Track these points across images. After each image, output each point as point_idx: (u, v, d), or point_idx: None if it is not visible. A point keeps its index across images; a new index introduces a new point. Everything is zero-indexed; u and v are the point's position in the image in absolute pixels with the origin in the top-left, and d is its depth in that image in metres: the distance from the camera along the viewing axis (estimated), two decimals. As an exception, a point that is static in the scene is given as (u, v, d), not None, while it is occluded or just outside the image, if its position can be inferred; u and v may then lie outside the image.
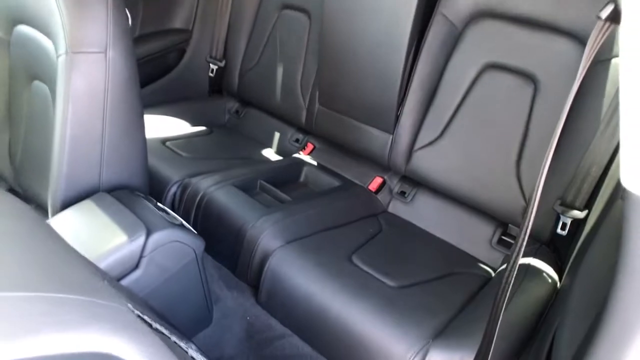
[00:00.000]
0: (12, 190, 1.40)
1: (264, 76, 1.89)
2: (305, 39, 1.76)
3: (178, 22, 1.97)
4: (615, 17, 0.44)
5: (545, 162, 0.67)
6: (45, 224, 0.53)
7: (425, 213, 1.50)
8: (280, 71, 1.84)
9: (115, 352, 0.33)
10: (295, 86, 1.79)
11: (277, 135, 1.88)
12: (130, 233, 1.01)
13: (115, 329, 0.34)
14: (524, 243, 0.76)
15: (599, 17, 0.49)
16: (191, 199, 1.41)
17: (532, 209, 0.73)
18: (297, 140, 1.84)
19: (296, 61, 1.79)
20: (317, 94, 1.69)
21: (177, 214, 1.30)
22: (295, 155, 1.75)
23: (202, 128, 1.93)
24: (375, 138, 1.55)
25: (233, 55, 1.98)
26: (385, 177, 1.59)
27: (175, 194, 1.46)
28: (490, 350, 0.83)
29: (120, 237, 1.00)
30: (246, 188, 1.45)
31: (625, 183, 0.47)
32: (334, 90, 1.61)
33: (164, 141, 1.71)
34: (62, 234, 0.86)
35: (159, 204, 1.18)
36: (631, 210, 0.49)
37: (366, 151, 1.59)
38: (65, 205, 1.12)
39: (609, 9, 0.47)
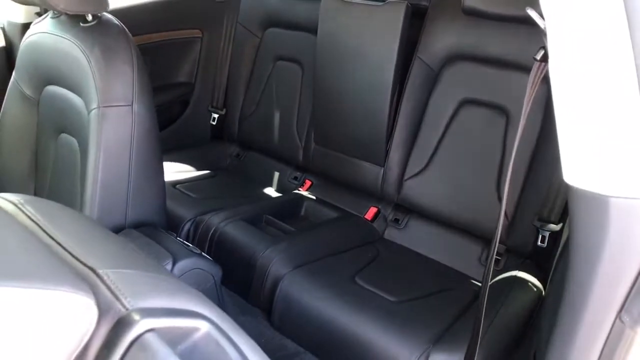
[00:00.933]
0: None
1: (262, 121, 2.06)
2: (299, 86, 1.95)
3: (182, 76, 2.15)
4: (545, 58, 0.60)
5: (505, 183, 0.80)
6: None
7: (418, 237, 1.64)
8: (277, 116, 2.02)
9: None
10: (292, 128, 1.96)
11: (276, 174, 2.04)
12: (158, 261, 1.13)
13: (198, 297, 0.48)
14: (495, 253, 0.88)
15: (534, 59, 0.65)
16: (204, 233, 1.54)
17: (499, 224, 0.86)
18: (295, 178, 1.99)
19: (291, 106, 1.97)
20: (313, 134, 1.86)
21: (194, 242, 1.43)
22: (295, 191, 1.90)
23: (207, 172, 2.08)
24: (368, 171, 1.70)
25: (233, 104, 2.16)
26: (380, 207, 1.74)
27: (189, 230, 1.59)
28: (475, 353, 0.94)
29: (149, 264, 1.12)
30: (253, 222, 1.58)
31: (567, 179, 0.62)
32: (327, 130, 1.78)
33: (174, 184, 1.85)
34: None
35: (178, 237, 1.31)
36: (574, 202, 0.63)
37: (360, 184, 1.74)
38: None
39: (541, 52, 0.63)
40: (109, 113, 1.19)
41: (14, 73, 1.44)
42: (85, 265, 0.44)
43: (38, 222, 0.49)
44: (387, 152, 1.66)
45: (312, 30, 1.78)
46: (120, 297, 0.41)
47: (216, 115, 2.20)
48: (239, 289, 1.46)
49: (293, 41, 1.95)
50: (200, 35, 2.12)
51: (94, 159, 1.20)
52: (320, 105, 1.76)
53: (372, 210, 1.73)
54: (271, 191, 1.98)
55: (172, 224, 1.60)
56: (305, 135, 1.92)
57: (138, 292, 0.42)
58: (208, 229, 1.54)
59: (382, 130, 1.63)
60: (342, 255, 1.50)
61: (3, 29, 1.84)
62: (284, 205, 1.78)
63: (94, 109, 1.19)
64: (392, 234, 1.68)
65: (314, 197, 1.84)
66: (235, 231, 1.50)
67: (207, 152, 2.20)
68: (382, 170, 1.68)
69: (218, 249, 1.50)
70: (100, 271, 0.43)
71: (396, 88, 1.61)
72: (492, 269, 0.91)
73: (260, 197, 1.91)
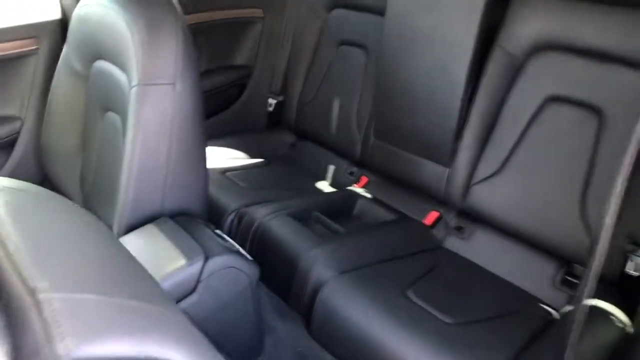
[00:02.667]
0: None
1: (320, 110, 1.93)
2: (362, 73, 1.80)
3: (241, 59, 2.07)
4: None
5: (611, 199, 0.63)
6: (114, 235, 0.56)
7: (483, 249, 1.45)
8: (336, 105, 1.88)
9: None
10: (351, 120, 1.82)
11: (331, 167, 1.90)
12: (189, 257, 1.04)
13: (179, 339, 0.35)
14: (591, 283, 0.71)
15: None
16: (247, 227, 1.44)
17: (600, 247, 0.69)
18: (351, 173, 1.85)
19: (352, 95, 1.82)
20: (373, 127, 1.71)
21: (234, 241, 1.33)
22: (350, 187, 1.76)
23: (260, 160, 1.98)
24: (431, 171, 1.53)
25: (291, 90, 2.05)
26: (441, 212, 1.56)
27: (232, 222, 1.50)
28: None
29: (180, 261, 1.03)
30: (301, 218, 1.46)
31: None
32: (389, 124, 1.62)
33: (224, 171, 1.77)
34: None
35: (217, 230, 1.22)
36: None
37: (421, 185, 1.57)
38: (130, 228, 1.17)
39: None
40: (148, 91, 1.11)
41: (65, 46, 1.40)
42: (24, 283, 0.32)
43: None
44: (454, 152, 1.47)
45: (381, 11, 1.62)
46: (56, 337, 0.29)
47: (274, 101, 2.10)
48: (280, 290, 1.35)
49: (359, 24, 1.80)
50: (262, 16, 2.02)
51: (131, 140, 1.13)
52: (383, 95, 1.60)
53: (433, 215, 1.56)
54: (324, 185, 1.85)
55: (216, 214, 1.51)
56: (365, 128, 1.77)
57: (85, 330, 0.31)
58: (251, 223, 1.43)
59: (450, 127, 1.45)
60: (394, 263, 1.34)
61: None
62: (336, 202, 1.65)
63: (134, 86, 1.11)
64: (453, 243, 1.50)
65: (369, 196, 1.69)
66: (279, 227, 1.39)
67: (262, 139, 2.10)
68: (448, 172, 1.50)
69: (260, 245, 1.40)
70: (41, 295, 0.32)
71: (471, 80, 1.42)
72: (583, 298, 0.73)
73: (312, 190, 1.79)
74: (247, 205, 1.52)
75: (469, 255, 1.45)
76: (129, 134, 1.13)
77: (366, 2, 1.77)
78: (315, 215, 1.52)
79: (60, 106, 1.46)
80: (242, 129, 2.12)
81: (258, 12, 2.01)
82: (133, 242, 1.11)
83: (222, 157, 1.91)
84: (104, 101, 1.33)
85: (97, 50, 1.30)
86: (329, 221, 1.49)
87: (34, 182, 1.84)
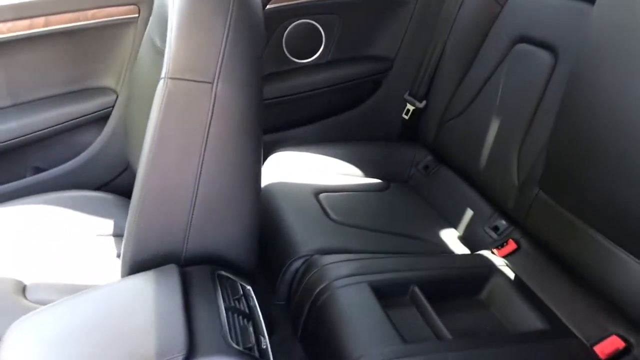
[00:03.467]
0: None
1: (470, 129, 1.38)
2: (541, 87, 1.19)
3: (379, 49, 1.61)
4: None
5: None
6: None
7: None
8: (494, 127, 1.31)
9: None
10: (511, 152, 1.23)
11: (469, 213, 1.35)
12: (164, 350, 0.66)
13: None
14: None
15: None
16: (310, 287, 1.00)
17: None
18: (495, 229, 1.27)
19: (521, 117, 1.23)
20: (541, 172, 1.11)
21: (293, 301, 0.92)
22: (486, 252, 1.19)
23: (378, 181, 1.52)
24: (632, 274, 0.89)
25: (437, 97, 1.52)
26: (631, 340, 0.91)
27: (297, 271, 1.08)
28: None
29: (149, 352, 0.65)
30: (389, 294, 0.98)
31: None
32: (570, 175, 1.00)
33: (318, 192, 1.35)
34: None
35: (252, 301, 0.82)
36: None
37: (608, 287, 0.94)
38: (135, 267, 0.85)
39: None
40: (176, 88, 0.76)
41: (151, 18, 1.14)
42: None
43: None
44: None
45: (589, -5, 1.02)
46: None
47: (412, 108, 1.60)
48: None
49: (552, 14, 1.19)
50: (415, -4, 1.51)
51: (148, 148, 0.78)
52: (569, 128, 0.99)
53: (614, 343, 0.92)
54: (450, 237, 1.31)
55: (283, 254, 1.11)
56: (529, 169, 1.18)
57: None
58: (316, 282, 1.00)
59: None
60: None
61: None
62: (457, 273, 1.11)
63: (162, 78, 0.77)
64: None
65: (512, 274, 1.11)
66: (349, 303, 0.92)
67: (388, 153, 1.62)
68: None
69: (317, 321, 0.95)
70: None
71: None
72: None
73: (429, 241, 1.27)
74: (324, 252, 1.08)
75: None
76: (147, 141, 0.79)
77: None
78: (414, 293, 1.01)
79: (140, 83, 1.22)
80: (366, 136, 1.67)
81: (411, -11, 1.51)
82: (117, 297, 0.77)
83: (326, 170, 1.49)
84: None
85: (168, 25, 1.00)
86: (430, 311, 0.96)
87: (119, 165, 1.60)
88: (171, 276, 0.78)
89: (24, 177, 1.41)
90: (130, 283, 0.78)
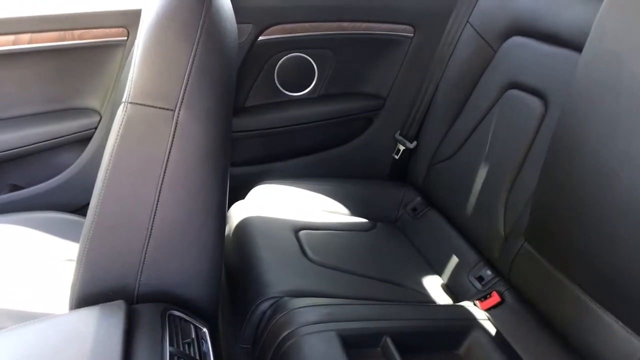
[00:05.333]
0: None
1: (458, 174, 1.34)
2: (532, 134, 1.16)
3: (371, 87, 1.59)
4: None
5: None
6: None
7: None
8: (482, 173, 1.27)
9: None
10: (498, 200, 1.19)
11: (454, 260, 1.29)
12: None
13: None
14: None
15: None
16: (277, 330, 0.94)
17: None
18: (480, 279, 1.21)
19: (509, 164, 1.19)
20: (527, 223, 1.06)
21: (258, 345, 0.86)
22: (468, 304, 1.13)
23: (364, 220, 1.47)
24: (616, 339, 0.83)
25: (427, 138, 1.49)
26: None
27: (265, 313, 1.02)
28: None
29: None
30: (359, 344, 0.92)
31: None
32: (554, 230, 0.96)
33: (298, 228, 1.31)
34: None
35: (205, 345, 0.77)
36: None
37: (590, 352, 0.88)
38: (83, 300, 0.79)
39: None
40: (135, 114, 0.72)
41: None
42: None
43: None
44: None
45: (580, 46, 0.99)
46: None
47: (402, 148, 1.57)
48: None
49: (544, 61, 1.17)
50: (411, 35, 1.50)
51: (103, 174, 0.74)
52: (554, 180, 0.95)
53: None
54: (433, 285, 1.25)
55: (252, 292, 1.05)
56: (516, 220, 1.13)
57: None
58: (282, 327, 0.94)
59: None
60: None
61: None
62: (436, 325, 1.04)
63: (123, 102, 0.74)
64: None
65: (493, 329, 1.05)
66: (311, 353, 0.86)
67: (377, 192, 1.58)
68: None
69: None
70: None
71: None
72: None
73: (409, 287, 1.21)
74: (295, 294, 1.03)
75: None
76: (103, 164, 0.75)
77: (559, 31, 1.12)
78: (386, 345, 0.94)
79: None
80: (354, 174, 1.63)
81: (407, 30, 1.50)
82: (57, 331, 0.71)
83: (310, 206, 1.45)
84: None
85: None
86: (402, 365, 0.90)
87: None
88: (116, 313, 0.72)
89: (0, 193, 1.38)
90: (71, 317, 0.73)
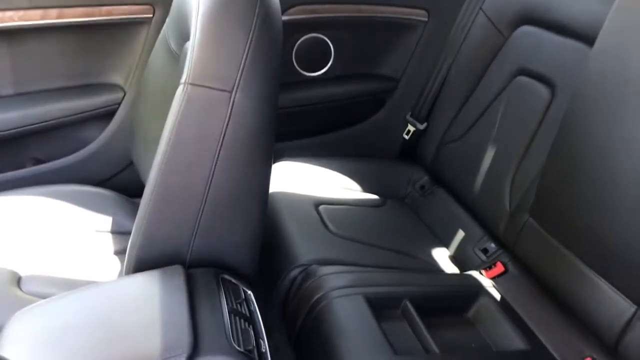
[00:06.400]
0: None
1: (467, 154, 1.44)
2: (538, 119, 1.25)
3: (385, 69, 1.66)
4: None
5: None
6: None
7: None
8: (490, 154, 1.36)
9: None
10: (504, 179, 1.29)
11: (460, 234, 1.40)
12: (168, 347, 0.69)
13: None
14: None
15: None
16: (306, 296, 1.05)
17: None
18: (484, 251, 1.32)
19: (516, 147, 1.29)
20: (532, 200, 1.16)
21: (289, 308, 0.96)
22: (475, 273, 1.24)
23: (375, 197, 1.57)
24: (609, 302, 0.94)
25: (438, 120, 1.58)
26: (601, 363, 0.97)
27: (295, 279, 1.12)
28: None
29: (153, 349, 0.69)
30: (382, 306, 1.02)
31: None
32: (559, 205, 1.06)
33: (318, 203, 1.40)
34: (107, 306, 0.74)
35: (252, 305, 0.86)
36: None
37: (586, 314, 1.00)
38: (140, 265, 0.88)
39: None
40: (195, 94, 0.79)
41: (167, 19, 1.17)
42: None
43: None
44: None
45: (588, 38, 1.08)
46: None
47: (413, 129, 1.66)
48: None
49: (552, 50, 1.25)
50: (425, 19, 1.57)
51: (162, 150, 0.82)
52: (561, 161, 1.05)
53: (589, 367, 0.98)
54: (441, 256, 1.36)
55: (280, 263, 1.15)
56: (520, 197, 1.23)
57: None
58: (313, 292, 1.04)
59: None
60: None
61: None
62: (445, 291, 1.16)
63: (181, 84, 0.81)
64: None
65: (498, 295, 1.16)
66: (343, 314, 0.97)
67: (387, 171, 1.67)
68: (636, 312, 0.91)
69: (311, 330, 0.99)
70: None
71: None
72: None
73: (421, 258, 1.31)
74: (322, 262, 1.13)
75: None
76: (162, 140, 0.83)
77: (570, 22, 1.21)
78: (406, 308, 1.05)
79: (151, 85, 1.24)
80: (366, 153, 1.72)
81: (421, 14, 1.57)
82: (122, 294, 0.80)
83: (326, 183, 1.54)
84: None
85: (185, 30, 1.03)
86: (420, 325, 1.01)
87: (121, 163, 1.59)
88: (177, 276, 0.81)
89: (24, 167, 1.41)
90: (135, 280, 0.82)
